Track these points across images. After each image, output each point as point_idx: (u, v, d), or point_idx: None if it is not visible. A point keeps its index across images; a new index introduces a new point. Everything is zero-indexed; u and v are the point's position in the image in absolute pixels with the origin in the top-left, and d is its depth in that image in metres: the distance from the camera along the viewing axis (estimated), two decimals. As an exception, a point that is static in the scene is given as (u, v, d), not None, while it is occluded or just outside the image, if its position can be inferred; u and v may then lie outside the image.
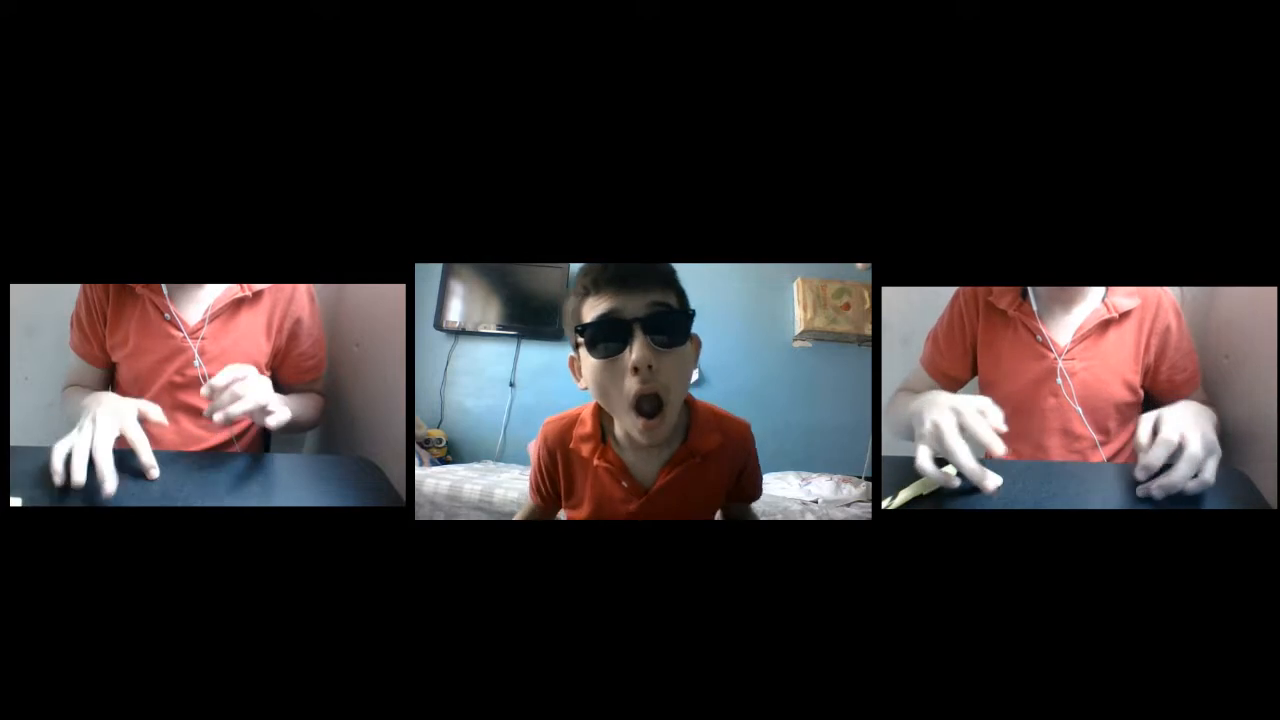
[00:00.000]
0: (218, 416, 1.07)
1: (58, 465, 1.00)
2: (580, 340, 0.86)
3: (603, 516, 0.97)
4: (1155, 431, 1.03)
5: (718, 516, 1.11)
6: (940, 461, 1.03)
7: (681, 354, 0.86)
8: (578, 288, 0.90)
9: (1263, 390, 1.16)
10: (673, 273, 0.92)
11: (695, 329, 0.93)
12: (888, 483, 1.11)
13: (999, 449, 0.96)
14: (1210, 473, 1.00)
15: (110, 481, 1.00)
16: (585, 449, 0.94)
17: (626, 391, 0.84)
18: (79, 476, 0.99)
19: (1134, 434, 1.05)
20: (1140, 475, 1.02)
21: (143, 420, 1.08)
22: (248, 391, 1.09)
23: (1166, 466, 1.00)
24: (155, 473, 1.06)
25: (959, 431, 0.97)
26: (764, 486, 1.14)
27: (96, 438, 1.02)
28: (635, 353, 0.83)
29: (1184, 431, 1.00)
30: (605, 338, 0.84)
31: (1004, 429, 0.98)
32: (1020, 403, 1.27)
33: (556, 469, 0.98)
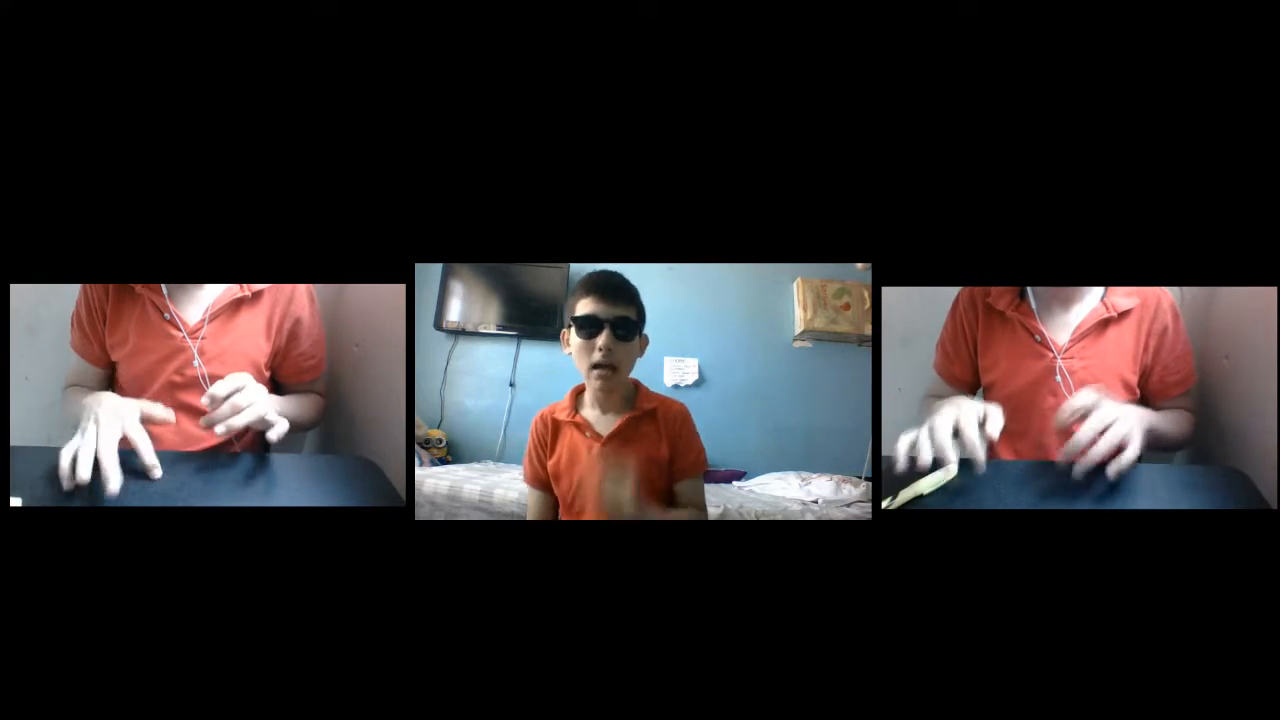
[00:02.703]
0: (219, 429, 1.10)
1: (65, 468, 1.02)
2: (572, 324, 1.25)
3: (574, 463, 1.27)
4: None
5: (665, 513, 1.22)
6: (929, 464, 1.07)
7: (631, 345, 1.25)
8: (578, 289, 1.25)
9: (1263, 391, 1.16)
10: (637, 295, 1.28)
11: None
12: (888, 483, 1.11)
13: (980, 458, 1.08)
14: (1132, 442, 1.05)
15: (115, 481, 1.02)
16: (562, 415, 1.29)
17: (591, 359, 1.23)
18: (84, 474, 1.01)
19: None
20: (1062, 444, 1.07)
21: (146, 420, 1.09)
22: (249, 403, 1.11)
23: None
24: (158, 473, 1.07)
25: (951, 431, 1.08)
26: (752, 483, 1.42)
27: (100, 438, 1.04)
28: (601, 340, 1.22)
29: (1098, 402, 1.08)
30: (586, 327, 1.22)
31: (995, 436, 1.10)
32: (1020, 403, 1.27)
33: (546, 436, 1.30)
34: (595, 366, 1.23)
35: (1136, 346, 1.25)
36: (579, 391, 1.30)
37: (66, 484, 1.02)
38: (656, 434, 1.27)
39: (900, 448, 1.08)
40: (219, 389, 1.11)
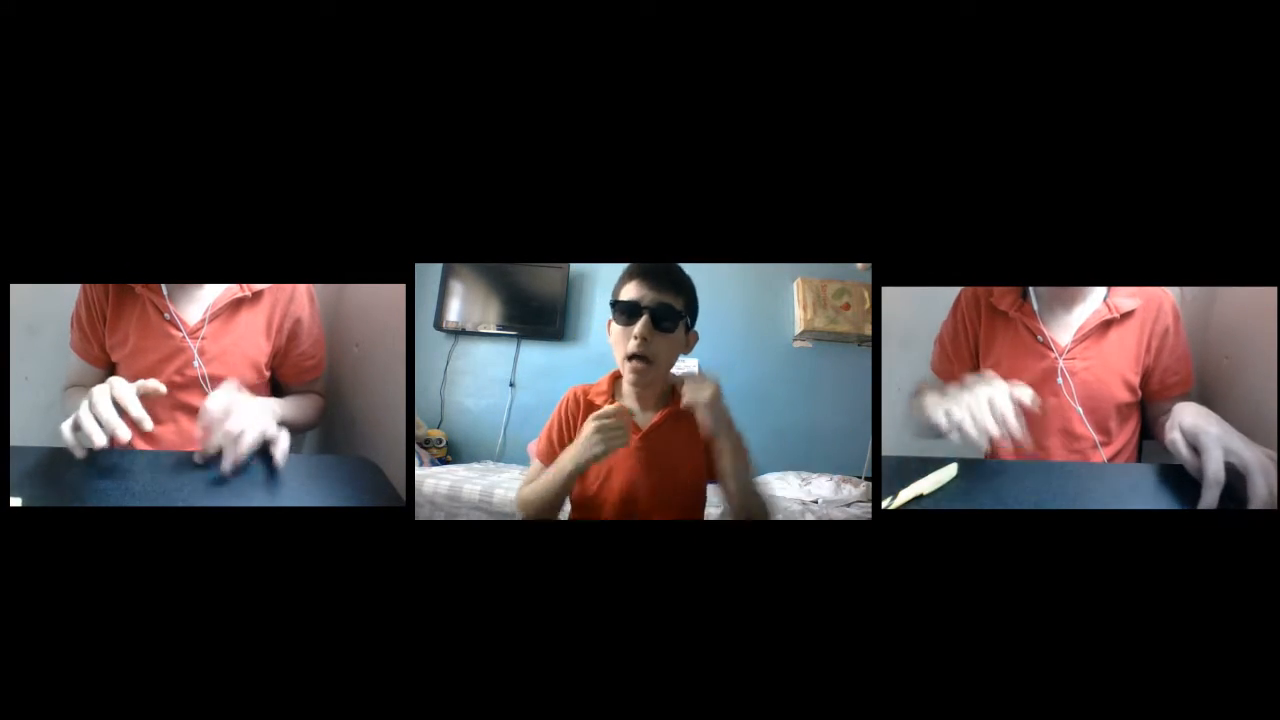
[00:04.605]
0: (226, 466, 1.08)
1: (69, 436, 1.03)
2: (613, 310, 1.20)
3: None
4: (1194, 448, 1.03)
5: (712, 511, 1.16)
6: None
7: (672, 337, 1.19)
8: (625, 273, 1.21)
9: (1263, 391, 1.16)
10: (688, 284, 1.23)
11: (696, 328, 1.26)
12: (888, 483, 1.11)
13: (1018, 433, 1.04)
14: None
15: (122, 429, 1.02)
16: (599, 400, 1.23)
17: (627, 348, 1.17)
18: (99, 440, 1.01)
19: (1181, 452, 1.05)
20: (1212, 497, 1.00)
21: (141, 393, 1.08)
22: (240, 429, 1.09)
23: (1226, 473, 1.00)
24: (148, 425, 1.05)
25: (988, 404, 1.05)
26: (767, 487, 1.31)
27: (95, 398, 1.04)
28: (638, 327, 1.16)
29: (1228, 446, 1.01)
30: (626, 313, 1.18)
31: (1034, 409, 1.07)
32: (1021, 403, 1.28)
33: (577, 416, 1.23)
34: (630, 357, 1.16)
35: (1139, 347, 1.25)
36: (616, 376, 1.25)
37: (79, 452, 1.04)
38: (695, 429, 1.19)
39: (939, 417, 1.06)
40: (211, 410, 1.09)
